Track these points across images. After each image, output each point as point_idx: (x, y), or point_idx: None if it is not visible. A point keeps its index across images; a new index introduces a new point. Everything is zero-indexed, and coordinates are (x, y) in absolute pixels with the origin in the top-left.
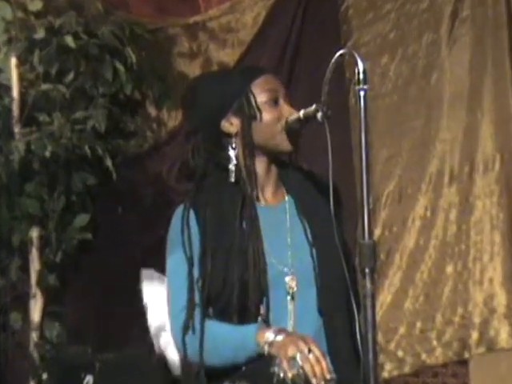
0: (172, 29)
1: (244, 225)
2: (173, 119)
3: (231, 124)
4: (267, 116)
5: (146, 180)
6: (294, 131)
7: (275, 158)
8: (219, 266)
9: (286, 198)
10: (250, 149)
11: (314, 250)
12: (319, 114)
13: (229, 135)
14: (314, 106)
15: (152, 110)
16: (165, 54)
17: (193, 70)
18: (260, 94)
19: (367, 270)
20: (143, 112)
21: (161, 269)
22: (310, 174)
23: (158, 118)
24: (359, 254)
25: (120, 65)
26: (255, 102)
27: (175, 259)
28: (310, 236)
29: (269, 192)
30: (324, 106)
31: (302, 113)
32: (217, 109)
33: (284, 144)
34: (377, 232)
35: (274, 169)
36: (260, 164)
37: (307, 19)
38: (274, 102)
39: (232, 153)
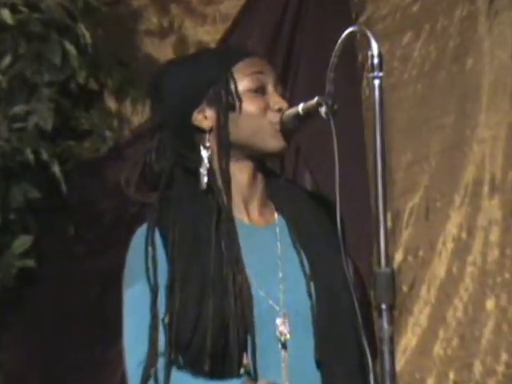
0: (137, 0)
1: (223, 247)
2: (138, 114)
3: (205, 117)
4: (249, 106)
5: (105, 191)
6: (289, 131)
7: (261, 164)
8: (191, 299)
9: (276, 217)
10: (226, 147)
11: (311, 285)
12: (323, 109)
13: (202, 131)
14: (316, 99)
15: (112, 103)
16: (128, 32)
17: (164, 52)
18: (242, 80)
19: (384, 307)
20: (101, 106)
21: None
22: (303, 189)
23: (119, 114)
24: (374, 285)
25: (70, 46)
26: (235, 88)
27: (134, 293)
28: (306, 267)
29: (254, 209)
30: (329, 99)
31: (300, 107)
32: (188, 98)
33: (270, 142)
34: (397, 257)
35: (260, 179)
36: (242, 170)
37: None
38: (261, 89)
39: (204, 153)
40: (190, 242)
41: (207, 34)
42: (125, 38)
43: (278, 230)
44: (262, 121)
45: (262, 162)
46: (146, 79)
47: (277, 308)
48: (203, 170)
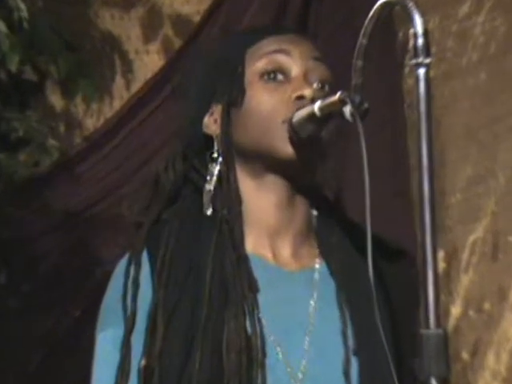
0: None
1: (229, 284)
2: (93, 115)
3: (215, 120)
4: (256, 98)
5: (49, 223)
6: (305, 138)
7: (308, 186)
8: (177, 342)
9: (318, 262)
10: (227, 154)
11: (351, 362)
12: (347, 109)
13: (211, 138)
14: (338, 95)
15: (57, 100)
16: (79, 2)
17: (127, 29)
18: (253, 64)
19: (435, 381)
20: (41, 103)
21: None
22: (361, 228)
23: (67, 114)
24: (420, 352)
25: (0, 22)
26: (240, 76)
27: (107, 337)
28: (349, 335)
29: (285, 245)
30: (356, 95)
31: (317, 106)
32: (199, 98)
33: (278, 146)
34: (454, 312)
35: (300, 206)
36: (269, 190)
37: None
38: (280, 74)
39: (212, 166)
40: (184, 269)
41: (187, 5)
42: (74, 11)
43: (316, 277)
44: (273, 118)
45: (308, 182)
46: (103, 67)
47: (298, 376)
48: (208, 187)
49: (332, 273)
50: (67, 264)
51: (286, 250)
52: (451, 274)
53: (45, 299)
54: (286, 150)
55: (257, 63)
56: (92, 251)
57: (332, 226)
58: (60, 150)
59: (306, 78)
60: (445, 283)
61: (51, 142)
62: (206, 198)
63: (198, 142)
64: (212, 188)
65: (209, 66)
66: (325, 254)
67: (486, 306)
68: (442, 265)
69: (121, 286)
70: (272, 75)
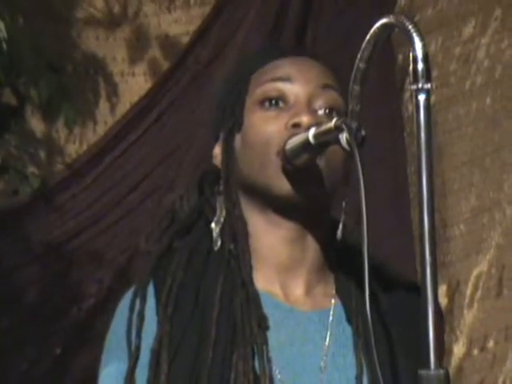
0: None
1: (238, 325)
2: (75, 141)
3: (220, 150)
4: (253, 128)
5: (27, 257)
6: (300, 167)
7: (305, 213)
8: (182, 380)
9: (333, 302)
10: (227, 187)
11: None
12: (343, 136)
13: (219, 170)
14: (333, 121)
15: (37, 125)
16: (61, 20)
17: (113, 49)
18: (254, 91)
19: None
20: (20, 128)
21: None
22: (386, 271)
23: (48, 140)
24: None
25: None
26: (240, 104)
27: (110, 373)
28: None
29: (297, 283)
30: (353, 122)
31: (311, 133)
32: (212, 126)
33: (273, 182)
34: (457, 351)
35: (313, 242)
36: (278, 225)
37: None
38: (281, 101)
39: (220, 199)
40: (190, 305)
41: (176, 25)
42: (56, 30)
43: (331, 318)
44: (267, 150)
45: (322, 216)
46: (86, 89)
47: None
48: (215, 224)
49: (348, 315)
50: (46, 299)
51: (298, 289)
52: (454, 310)
53: (22, 336)
54: (281, 186)
55: (257, 90)
56: (71, 286)
57: (352, 261)
58: (40, 178)
59: (308, 105)
60: (447, 320)
61: (31, 169)
62: (214, 232)
63: (211, 173)
64: (221, 222)
65: (220, 92)
66: (341, 295)
67: (491, 344)
68: (443, 300)
69: (125, 320)
70: (272, 102)
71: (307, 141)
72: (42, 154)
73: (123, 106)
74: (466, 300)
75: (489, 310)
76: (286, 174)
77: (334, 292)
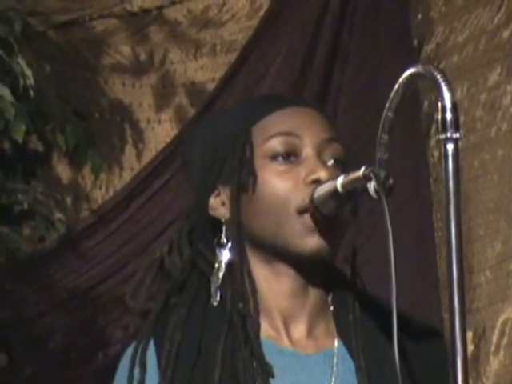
0: (100, 21)
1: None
2: (102, 187)
3: (222, 203)
4: (268, 184)
5: (53, 303)
6: (325, 216)
7: (317, 265)
8: None
9: (336, 344)
10: (239, 243)
11: None
12: (371, 185)
13: (219, 221)
14: (362, 170)
15: (64, 171)
16: (88, 68)
17: (139, 96)
18: (263, 143)
19: None
20: (47, 175)
21: None
22: (382, 303)
23: (74, 186)
24: None
25: (4, 88)
26: (250, 157)
27: None
28: None
29: (300, 328)
30: (381, 170)
31: (340, 182)
32: (203, 177)
33: (298, 241)
34: None
35: (313, 287)
36: (280, 275)
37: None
38: (293, 155)
39: (220, 253)
40: (190, 363)
41: (202, 72)
42: (83, 77)
43: (335, 360)
44: (287, 207)
45: (317, 262)
46: (112, 136)
47: None
48: (215, 278)
49: (351, 354)
50: (70, 346)
51: (300, 332)
52: (480, 356)
53: (47, 383)
54: (305, 245)
55: (267, 144)
56: (96, 333)
57: (349, 302)
58: (66, 224)
59: (319, 158)
60: (473, 367)
61: (57, 215)
62: (213, 288)
63: (203, 224)
64: (220, 277)
65: (211, 143)
66: (342, 334)
67: None
68: (470, 347)
69: (126, 377)
70: (284, 156)
71: (335, 189)
72: (68, 201)
73: (149, 153)
74: (492, 347)
75: None
76: (313, 224)
77: (334, 331)
